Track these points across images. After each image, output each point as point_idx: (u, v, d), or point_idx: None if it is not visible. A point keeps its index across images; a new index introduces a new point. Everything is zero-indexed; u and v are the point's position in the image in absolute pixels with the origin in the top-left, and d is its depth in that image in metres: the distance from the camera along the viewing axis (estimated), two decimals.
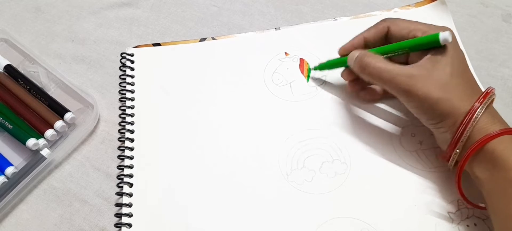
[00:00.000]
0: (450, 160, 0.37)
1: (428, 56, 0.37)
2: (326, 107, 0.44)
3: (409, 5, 0.50)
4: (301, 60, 0.48)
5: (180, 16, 0.53)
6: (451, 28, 0.48)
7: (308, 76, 0.47)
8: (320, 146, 0.42)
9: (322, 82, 0.46)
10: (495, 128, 0.34)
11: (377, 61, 0.38)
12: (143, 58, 0.49)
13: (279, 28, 0.50)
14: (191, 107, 0.46)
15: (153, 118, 0.45)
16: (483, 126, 0.34)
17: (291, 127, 0.44)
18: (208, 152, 0.43)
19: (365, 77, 0.39)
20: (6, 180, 0.41)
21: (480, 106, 0.34)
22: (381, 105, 0.44)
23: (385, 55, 0.39)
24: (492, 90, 0.36)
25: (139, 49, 0.50)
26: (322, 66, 0.45)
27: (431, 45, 0.37)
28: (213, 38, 0.50)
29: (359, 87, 0.44)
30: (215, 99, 0.46)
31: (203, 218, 0.39)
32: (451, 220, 0.38)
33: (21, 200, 0.42)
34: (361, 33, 0.42)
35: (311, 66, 0.47)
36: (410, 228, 0.38)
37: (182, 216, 0.40)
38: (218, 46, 0.50)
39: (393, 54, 0.39)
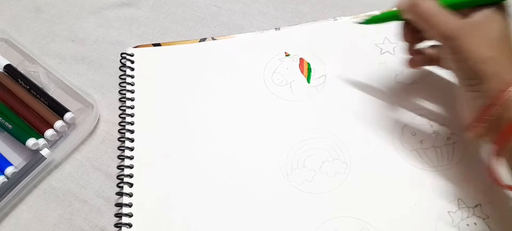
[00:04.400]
0: (475, 128, 0.34)
1: (484, 11, 0.34)
2: (326, 107, 0.44)
3: None
4: (301, 60, 0.48)
5: (180, 16, 0.53)
6: None
7: (309, 76, 0.47)
8: (320, 146, 0.42)
9: (322, 82, 0.46)
10: None
11: (429, 3, 0.35)
12: (143, 58, 0.49)
13: (279, 28, 0.50)
14: (191, 107, 0.46)
15: (153, 118, 0.45)
16: None
17: (291, 126, 0.44)
18: (208, 152, 0.43)
19: (412, 17, 0.36)
20: (6, 180, 0.41)
21: None
22: (382, 104, 0.44)
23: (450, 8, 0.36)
24: None
25: (139, 49, 0.50)
26: (372, 20, 0.41)
27: None
28: (213, 38, 0.50)
29: (416, 38, 0.40)
30: (215, 99, 0.46)
31: (203, 217, 0.39)
32: (451, 220, 0.38)
33: (21, 200, 0.42)
34: None
35: (311, 66, 0.47)
36: (410, 227, 0.38)
37: (182, 216, 0.40)
38: (218, 46, 0.50)
39: (458, 6, 0.36)
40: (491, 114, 0.32)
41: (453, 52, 0.34)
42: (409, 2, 0.36)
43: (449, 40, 0.34)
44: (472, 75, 0.33)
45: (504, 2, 0.34)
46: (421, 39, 0.40)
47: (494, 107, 0.32)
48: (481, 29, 0.33)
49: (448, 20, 0.34)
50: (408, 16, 0.37)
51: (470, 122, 0.34)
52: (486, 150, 0.34)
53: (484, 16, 0.34)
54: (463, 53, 0.33)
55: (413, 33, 0.39)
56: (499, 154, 0.32)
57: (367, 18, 0.41)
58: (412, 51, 0.41)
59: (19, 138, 0.43)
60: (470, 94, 0.34)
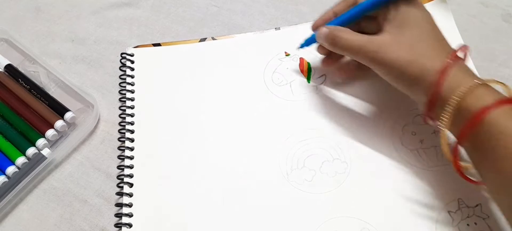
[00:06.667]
0: (431, 119, 0.37)
1: (393, 22, 0.37)
2: (326, 106, 0.44)
3: None
4: (301, 60, 0.48)
5: (180, 16, 0.53)
6: (452, 27, 0.49)
7: (309, 76, 0.47)
8: (320, 145, 0.42)
9: (323, 82, 0.46)
10: (467, 81, 0.33)
11: (346, 34, 0.39)
12: (143, 58, 0.49)
13: (279, 28, 0.50)
14: (191, 107, 0.46)
15: (153, 118, 0.45)
16: (456, 81, 0.34)
17: (291, 126, 0.44)
18: (208, 152, 0.43)
19: (337, 51, 0.40)
20: (6, 179, 0.41)
21: (453, 63, 0.34)
22: (382, 104, 0.44)
23: (346, 23, 0.40)
24: (464, 48, 0.36)
25: (139, 49, 0.50)
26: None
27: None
28: (213, 38, 0.50)
29: (333, 63, 0.44)
30: (215, 99, 0.46)
31: (203, 217, 0.39)
32: (452, 219, 0.38)
33: (21, 200, 0.42)
34: (331, 9, 0.43)
35: (312, 66, 0.47)
36: (410, 227, 0.38)
37: (182, 216, 0.40)
38: (218, 46, 0.50)
39: (352, 20, 0.40)
40: (437, 106, 0.35)
41: (379, 68, 0.37)
42: (330, 40, 0.40)
43: (373, 62, 0.37)
44: (403, 81, 0.37)
45: None
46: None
47: (437, 100, 0.34)
48: (397, 39, 0.36)
49: (367, 41, 0.37)
50: (331, 49, 0.40)
51: (426, 114, 0.37)
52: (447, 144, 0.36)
53: (397, 28, 0.37)
54: (389, 66, 0.36)
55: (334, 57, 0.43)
56: (460, 144, 0.34)
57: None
58: (331, 63, 0.45)
59: (20, 147, 0.43)
60: (412, 95, 0.37)
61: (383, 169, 0.41)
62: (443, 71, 0.34)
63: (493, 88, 0.34)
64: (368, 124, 0.43)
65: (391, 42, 0.36)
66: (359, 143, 0.42)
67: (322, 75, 0.47)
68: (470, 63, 0.46)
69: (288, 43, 0.49)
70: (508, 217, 0.32)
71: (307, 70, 0.47)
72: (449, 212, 0.38)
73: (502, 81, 0.36)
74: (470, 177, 0.35)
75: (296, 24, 0.51)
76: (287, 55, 0.48)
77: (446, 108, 0.34)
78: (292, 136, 0.43)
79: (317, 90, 0.46)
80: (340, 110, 0.44)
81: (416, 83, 0.36)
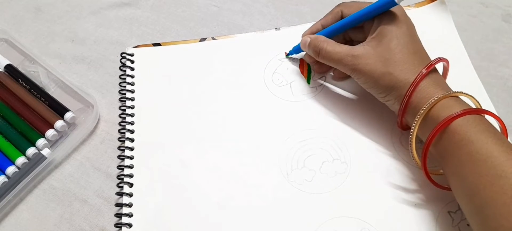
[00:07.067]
0: (401, 124, 0.40)
1: (374, 34, 0.39)
2: (326, 107, 0.45)
3: (408, 6, 0.50)
4: (301, 61, 0.48)
5: (180, 16, 0.53)
6: (451, 28, 0.49)
7: (309, 77, 0.47)
8: (320, 146, 0.42)
9: (322, 83, 0.46)
10: (438, 93, 0.35)
11: (327, 45, 0.41)
12: (143, 58, 0.49)
13: (279, 29, 0.50)
14: (191, 108, 0.46)
15: (153, 118, 0.45)
16: (427, 92, 0.36)
17: (291, 126, 0.44)
18: (208, 151, 0.43)
19: (320, 60, 0.42)
20: (6, 179, 0.41)
21: (425, 75, 0.36)
22: (382, 104, 0.44)
23: (332, 35, 0.43)
24: (439, 60, 0.38)
25: (139, 49, 0.50)
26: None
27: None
28: (213, 38, 0.50)
29: (326, 68, 0.46)
30: (215, 99, 0.46)
31: (203, 217, 0.39)
32: (452, 219, 0.38)
33: (21, 200, 0.42)
34: (319, 21, 0.45)
35: (311, 66, 0.47)
36: (411, 228, 0.38)
37: (182, 216, 0.40)
38: (218, 46, 0.50)
39: (338, 32, 0.43)
40: (406, 114, 0.38)
41: (357, 77, 0.40)
42: (313, 50, 0.42)
43: (351, 72, 0.40)
44: (377, 90, 0.39)
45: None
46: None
47: (406, 109, 0.37)
48: (374, 51, 0.39)
49: (346, 53, 0.40)
50: (315, 58, 0.43)
51: (398, 121, 0.39)
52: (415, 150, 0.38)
53: (376, 40, 0.39)
54: (364, 76, 0.39)
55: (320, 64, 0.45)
56: (428, 150, 0.36)
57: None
58: (323, 68, 0.46)
59: (20, 147, 0.43)
60: (386, 103, 0.40)
61: (383, 170, 0.41)
62: (415, 84, 0.36)
63: (461, 100, 0.36)
64: (368, 124, 0.43)
65: (369, 54, 0.39)
66: (359, 143, 0.42)
67: (322, 76, 0.47)
68: (469, 64, 0.46)
69: (288, 43, 0.49)
70: (471, 222, 0.33)
71: (307, 71, 0.47)
72: (449, 212, 0.38)
73: (502, 81, 0.36)
74: (440, 183, 0.37)
75: (296, 24, 0.51)
76: (287, 55, 0.48)
77: (416, 117, 0.36)
78: (292, 136, 0.43)
79: (317, 91, 0.46)
80: (340, 111, 0.44)
81: (389, 94, 0.38)
